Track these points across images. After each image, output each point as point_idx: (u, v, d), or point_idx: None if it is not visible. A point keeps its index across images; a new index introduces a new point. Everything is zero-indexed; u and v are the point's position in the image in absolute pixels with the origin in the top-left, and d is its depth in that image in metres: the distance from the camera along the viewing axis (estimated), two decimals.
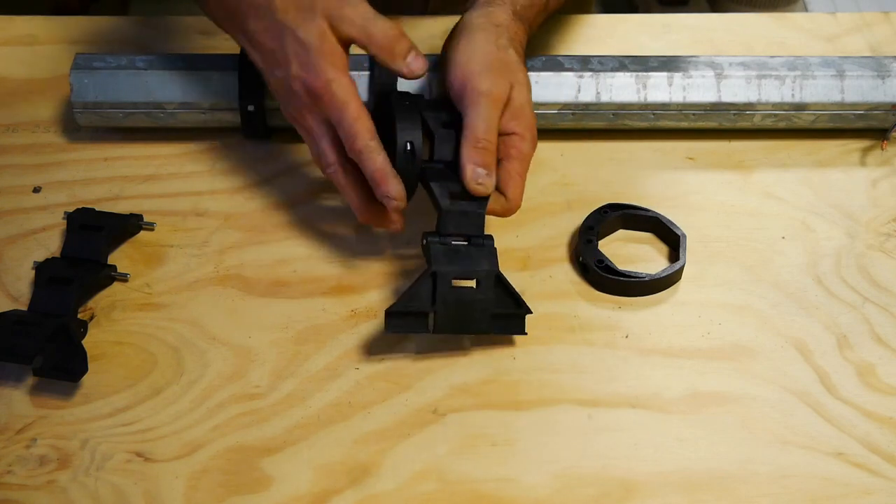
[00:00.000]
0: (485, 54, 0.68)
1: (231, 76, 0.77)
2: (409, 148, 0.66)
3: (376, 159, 0.66)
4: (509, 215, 0.70)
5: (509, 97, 0.68)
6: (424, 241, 0.67)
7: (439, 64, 0.73)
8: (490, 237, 0.67)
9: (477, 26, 0.70)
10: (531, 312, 0.67)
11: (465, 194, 0.67)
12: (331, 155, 0.68)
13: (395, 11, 0.91)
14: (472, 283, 0.66)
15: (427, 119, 0.69)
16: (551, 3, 0.77)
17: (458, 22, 0.72)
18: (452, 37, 0.71)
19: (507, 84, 0.68)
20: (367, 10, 0.66)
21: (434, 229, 0.67)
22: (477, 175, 0.66)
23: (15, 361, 0.65)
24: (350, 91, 0.66)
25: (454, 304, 0.65)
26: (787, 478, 0.64)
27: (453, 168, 0.68)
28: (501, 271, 0.66)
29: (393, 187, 0.66)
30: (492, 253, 0.67)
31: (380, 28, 0.65)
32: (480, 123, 0.67)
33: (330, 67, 0.65)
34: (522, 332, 0.68)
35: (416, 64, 0.66)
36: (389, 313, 0.66)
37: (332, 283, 0.73)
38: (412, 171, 0.67)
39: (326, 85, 0.65)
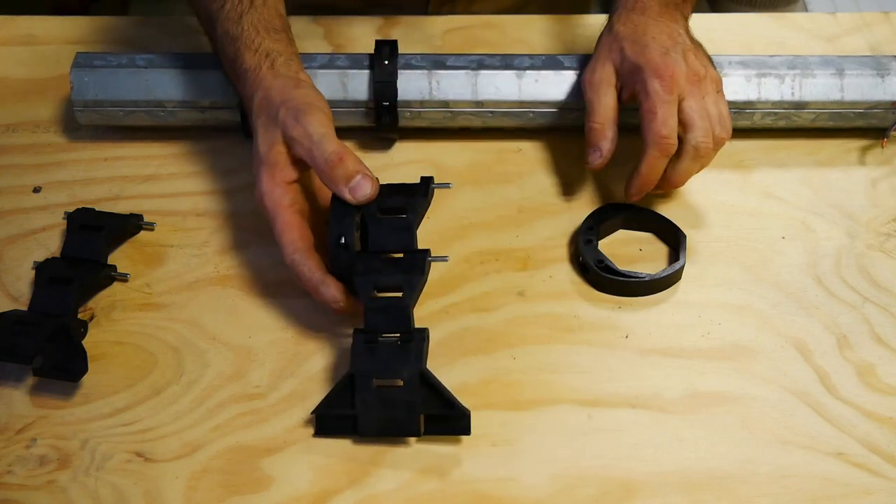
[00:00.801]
0: (643, 38, 0.73)
1: None
2: (341, 241, 0.65)
3: (303, 270, 0.66)
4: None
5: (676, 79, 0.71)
6: (353, 338, 0.64)
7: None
8: (423, 331, 0.64)
9: (632, 14, 0.75)
10: (467, 413, 0.62)
11: (394, 287, 0.64)
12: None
13: (395, 12, 0.91)
14: (399, 382, 0.63)
15: (364, 210, 0.67)
16: None
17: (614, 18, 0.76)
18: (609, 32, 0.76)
19: (674, 61, 0.71)
20: (317, 130, 0.66)
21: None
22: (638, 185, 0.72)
23: (15, 361, 0.65)
24: (279, 204, 0.66)
25: (377, 405, 0.63)
26: (787, 478, 0.64)
27: (389, 259, 0.66)
28: (432, 372, 0.63)
29: (326, 293, 0.65)
30: (419, 350, 0.63)
31: (319, 153, 0.65)
32: (659, 115, 0.70)
33: (266, 179, 0.67)
34: (465, 433, 0.63)
35: (360, 188, 0.65)
36: (318, 416, 0.64)
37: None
38: (347, 265, 0.65)
39: (261, 196, 0.67)
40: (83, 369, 0.66)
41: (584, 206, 0.77)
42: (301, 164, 0.68)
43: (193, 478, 0.63)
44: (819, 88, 0.80)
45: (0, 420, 0.65)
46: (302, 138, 0.66)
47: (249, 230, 0.75)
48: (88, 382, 0.67)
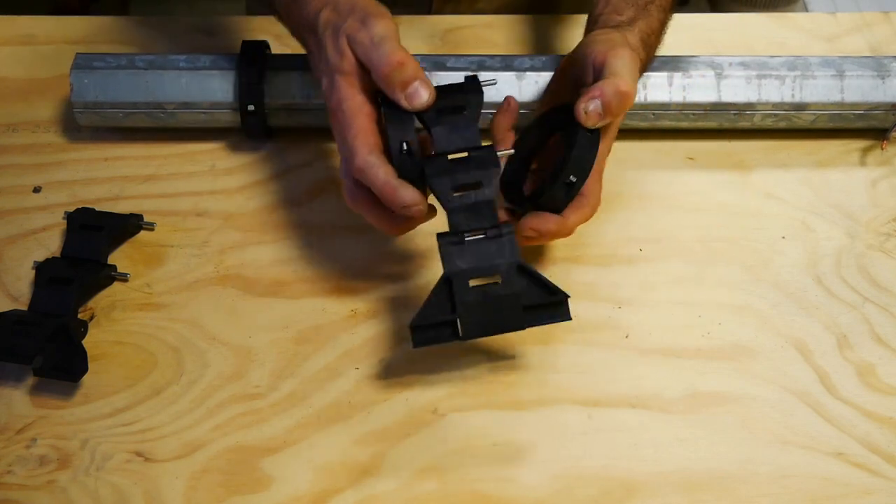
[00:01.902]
0: (630, 58, 0.67)
1: (231, 76, 0.77)
2: (404, 149, 0.63)
3: (377, 174, 0.63)
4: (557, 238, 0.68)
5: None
6: (438, 244, 0.63)
7: (564, 68, 0.72)
8: (508, 225, 0.63)
9: (615, 39, 0.69)
10: (569, 296, 0.62)
11: (472, 184, 0.63)
12: (344, 179, 0.66)
13: (398, 11, 0.91)
14: (497, 279, 0.62)
15: (423, 114, 0.64)
16: (664, 26, 0.75)
17: (600, 34, 0.70)
18: (586, 41, 0.70)
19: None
20: (379, 32, 0.64)
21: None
22: (592, 108, 0.64)
23: (15, 361, 0.65)
24: (359, 109, 0.64)
25: (478, 305, 0.61)
26: (787, 478, 0.64)
27: (458, 159, 0.64)
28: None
29: (405, 195, 0.62)
30: (511, 242, 0.62)
31: (379, 55, 0.63)
32: (628, 76, 0.65)
33: (345, 86, 0.64)
34: (567, 318, 0.62)
35: (418, 96, 0.63)
36: (413, 327, 0.62)
37: (332, 283, 0.73)
38: (414, 172, 0.63)
39: (339, 103, 0.64)
40: (83, 369, 0.66)
41: None
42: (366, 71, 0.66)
43: (193, 478, 0.63)
44: (819, 90, 0.80)
45: (0, 420, 0.65)
46: (364, 40, 0.64)
47: (249, 230, 0.75)
48: (88, 382, 0.67)
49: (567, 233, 0.67)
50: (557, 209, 0.65)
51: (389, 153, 0.63)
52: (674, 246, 0.75)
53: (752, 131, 0.82)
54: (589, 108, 0.64)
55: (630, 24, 0.71)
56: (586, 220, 0.67)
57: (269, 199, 0.77)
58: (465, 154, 0.64)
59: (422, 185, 0.63)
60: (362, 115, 0.64)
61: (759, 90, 0.79)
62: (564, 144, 0.65)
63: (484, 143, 0.65)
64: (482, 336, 0.62)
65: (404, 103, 0.63)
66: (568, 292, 0.62)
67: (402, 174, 0.63)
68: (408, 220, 0.65)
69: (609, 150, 0.69)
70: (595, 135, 0.65)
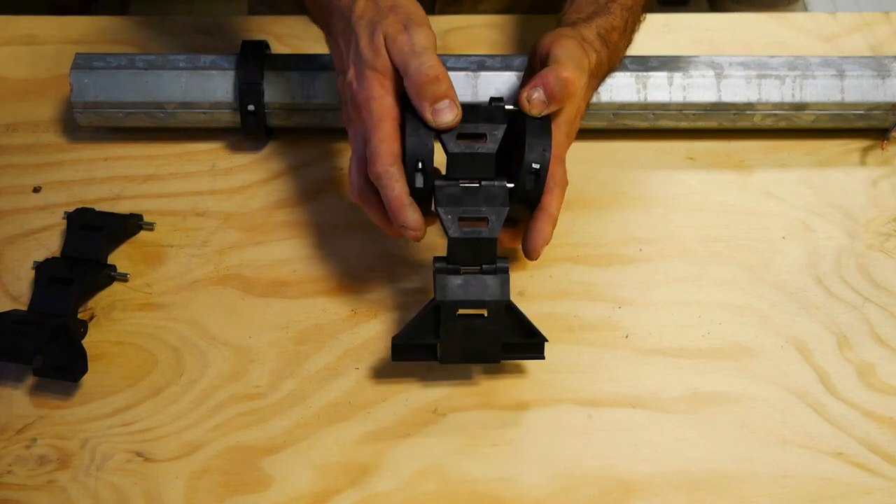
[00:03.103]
0: (574, 46, 0.67)
1: (231, 76, 0.77)
2: (419, 167, 0.63)
3: (393, 186, 0.62)
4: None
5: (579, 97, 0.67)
6: (433, 268, 0.63)
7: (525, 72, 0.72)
8: (505, 260, 0.63)
9: (568, 36, 0.68)
10: (546, 340, 0.65)
11: (478, 219, 0.63)
12: (354, 175, 0.66)
13: None
14: (483, 312, 0.63)
15: (443, 135, 0.64)
16: (629, 25, 0.75)
17: (548, 35, 0.70)
18: (544, 44, 0.69)
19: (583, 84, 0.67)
20: (420, 42, 0.63)
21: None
22: (535, 96, 0.63)
23: (15, 361, 0.65)
24: (388, 113, 0.63)
25: (461, 334, 0.63)
26: (787, 478, 0.64)
27: (468, 189, 0.64)
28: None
29: (408, 217, 0.62)
30: (504, 281, 0.63)
31: (418, 64, 0.62)
32: (572, 62, 0.65)
33: (376, 85, 0.63)
34: (540, 358, 0.66)
35: (444, 114, 0.62)
36: (395, 345, 0.64)
37: (332, 283, 0.73)
38: (424, 192, 0.63)
39: (367, 101, 0.63)
40: (83, 369, 0.66)
41: (584, 205, 0.77)
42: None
43: (193, 478, 0.63)
44: (819, 90, 0.80)
45: (0, 420, 0.65)
46: (404, 45, 0.63)
47: (249, 230, 0.75)
48: (88, 382, 0.67)
49: (555, 221, 0.66)
50: (532, 199, 0.65)
51: (403, 162, 0.63)
52: (674, 246, 0.75)
53: (752, 131, 0.82)
54: (532, 97, 0.64)
55: (587, 20, 0.71)
56: (561, 202, 0.66)
57: (269, 199, 0.77)
58: (477, 184, 0.64)
59: (428, 202, 0.64)
60: (390, 119, 0.63)
61: (759, 90, 0.79)
62: (524, 135, 0.65)
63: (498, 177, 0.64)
64: (459, 363, 0.65)
65: (429, 117, 0.63)
66: (544, 335, 0.65)
67: (412, 189, 0.63)
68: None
69: (570, 136, 0.68)
70: (545, 121, 0.65)
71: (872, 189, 0.80)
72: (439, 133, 0.63)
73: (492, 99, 0.66)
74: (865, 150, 0.83)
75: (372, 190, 0.64)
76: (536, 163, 0.63)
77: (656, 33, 0.90)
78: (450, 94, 0.63)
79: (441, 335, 0.63)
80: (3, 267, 0.73)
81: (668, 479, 0.64)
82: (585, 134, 0.81)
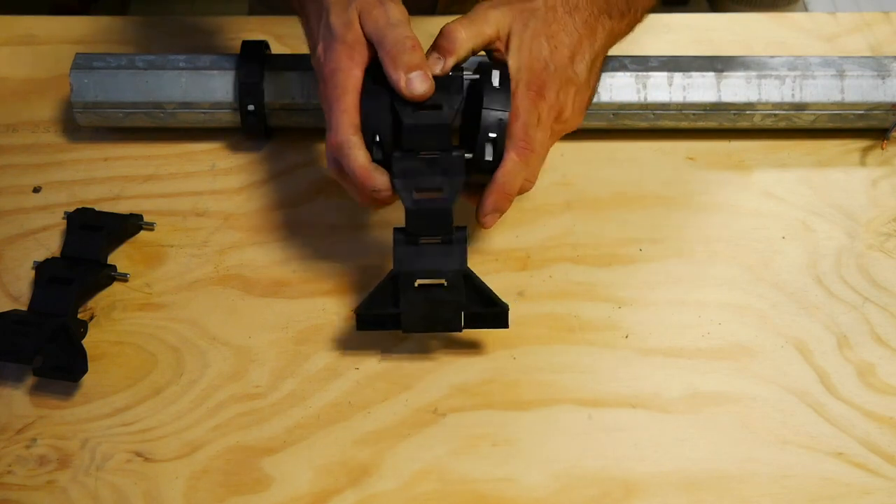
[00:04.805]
0: (536, 61, 0.65)
1: (231, 76, 0.77)
2: (376, 139, 0.63)
3: (356, 155, 0.63)
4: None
5: (545, 120, 0.66)
6: (393, 238, 0.64)
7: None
8: (463, 230, 0.64)
9: (532, 10, 0.66)
10: (507, 308, 0.65)
11: (435, 189, 0.63)
12: (327, 149, 0.66)
13: None
14: (442, 281, 0.64)
15: (398, 106, 0.63)
16: None
17: None
18: (504, 15, 0.67)
19: (551, 105, 0.66)
20: (395, 15, 0.64)
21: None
22: (489, 221, 0.65)
23: (15, 361, 0.65)
24: (352, 84, 0.63)
25: (421, 304, 0.64)
26: (787, 478, 0.64)
27: (426, 159, 0.64)
28: (474, 271, 0.64)
29: (376, 181, 0.63)
30: (461, 251, 0.64)
31: (394, 35, 0.63)
32: (519, 169, 0.64)
33: (344, 57, 0.63)
34: (504, 326, 0.66)
35: (417, 83, 0.62)
36: (359, 315, 0.65)
37: (332, 283, 0.73)
38: (380, 164, 0.63)
39: (333, 73, 0.64)
40: (83, 369, 0.66)
41: (584, 206, 0.77)
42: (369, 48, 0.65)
43: (193, 478, 0.63)
44: (819, 90, 0.80)
45: (0, 420, 0.65)
46: (380, 17, 0.63)
47: (249, 230, 0.75)
48: (88, 382, 0.67)
49: (505, 189, 0.65)
50: (492, 169, 0.64)
51: (362, 131, 0.63)
52: (674, 246, 0.75)
53: (752, 131, 0.82)
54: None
55: None
56: (528, 162, 0.65)
57: (269, 199, 0.77)
58: (434, 155, 0.64)
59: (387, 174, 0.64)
60: (353, 91, 0.63)
61: (759, 90, 0.79)
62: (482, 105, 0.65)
63: (455, 146, 0.64)
64: (422, 332, 0.67)
65: (402, 86, 0.62)
66: (507, 304, 0.65)
67: (378, 161, 0.63)
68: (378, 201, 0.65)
69: (543, 102, 0.65)
70: (504, 89, 0.64)
71: (872, 189, 0.80)
72: (394, 105, 0.63)
73: (451, 72, 0.66)
74: (865, 150, 0.83)
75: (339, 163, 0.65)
76: (492, 132, 0.63)
77: (656, 33, 0.90)
78: (423, 65, 0.63)
79: (401, 305, 0.64)
80: (3, 267, 0.73)
81: (668, 479, 0.64)
82: (585, 134, 0.81)
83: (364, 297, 0.65)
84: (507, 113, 0.64)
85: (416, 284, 0.64)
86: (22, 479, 0.63)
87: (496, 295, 0.65)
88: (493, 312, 0.65)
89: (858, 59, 0.81)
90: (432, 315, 0.64)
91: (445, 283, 0.64)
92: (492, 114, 0.63)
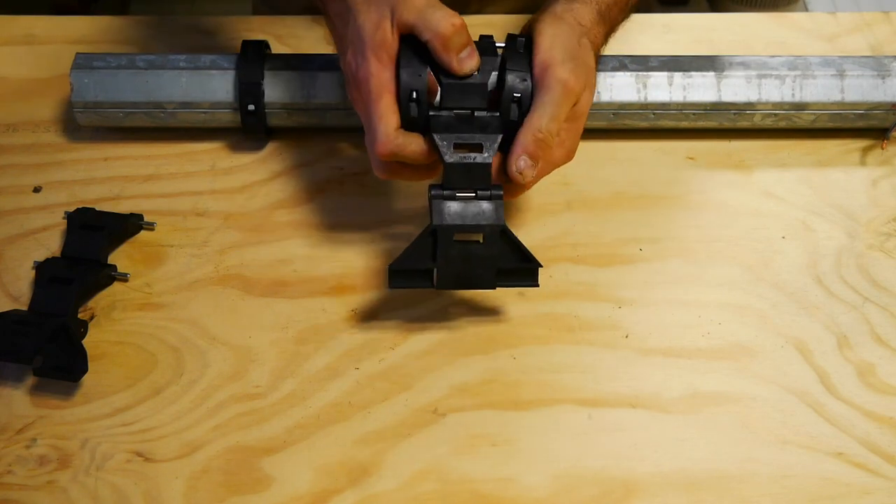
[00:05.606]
0: (569, 47, 0.67)
1: (231, 76, 0.77)
2: (413, 97, 0.64)
3: (412, 149, 0.64)
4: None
5: (578, 99, 0.67)
6: (429, 195, 0.65)
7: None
8: (499, 188, 0.65)
9: (563, 19, 0.69)
10: (541, 266, 0.66)
11: (472, 146, 0.65)
12: (372, 153, 0.66)
13: None
14: (479, 238, 0.65)
15: (434, 67, 0.66)
16: (631, 1, 0.76)
17: (542, 10, 0.71)
18: (536, 21, 0.70)
19: (583, 83, 0.67)
20: (432, 0, 0.65)
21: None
22: (522, 166, 0.65)
23: (15, 361, 0.65)
24: (384, 88, 0.65)
25: (457, 260, 0.65)
26: (787, 478, 0.64)
27: (462, 117, 0.66)
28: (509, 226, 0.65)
29: (432, 156, 0.65)
30: (498, 206, 0.65)
31: (440, 16, 0.64)
32: (549, 110, 0.65)
33: (374, 61, 0.65)
34: (534, 285, 0.67)
35: (469, 61, 0.65)
36: (392, 271, 0.65)
37: (332, 283, 0.73)
38: (420, 120, 0.65)
39: (366, 78, 0.65)
40: (83, 369, 0.66)
41: (584, 206, 0.77)
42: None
43: (193, 478, 0.63)
44: (819, 90, 0.80)
45: (0, 420, 0.65)
46: (418, 3, 0.64)
47: (249, 230, 0.75)
48: (88, 382, 0.67)
49: (537, 132, 0.65)
50: (517, 129, 0.65)
51: (398, 96, 0.65)
52: (674, 246, 0.76)
53: (752, 131, 0.82)
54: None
55: None
56: (559, 106, 0.65)
57: (269, 199, 0.77)
58: (471, 113, 0.66)
59: (424, 132, 0.65)
60: (388, 92, 0.65)
61: (759, 90, 0.79)
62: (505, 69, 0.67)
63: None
64: (454, 289, 0.68)
65: (456, 66, 0.64)
66: (540, 264, 0.66)
67: (406, 121, 0.65)
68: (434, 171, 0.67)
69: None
70: (526, 53, 0.67)
71: (872, 189, 0.80)
72: (433, 69, 0.65)
73: (482, 37, 0.68)
74: (865, 150, 0.83)
75: (393, 161, 0.66)
76: (517, 91, 0.66)
77: (656, 33, 0.90)
78: (470, 41, 0.65)
79: (437, 260, 0.64)
80: (3, 267, 0.73)
81: (668, 479, 0.64)
82: (585, 134, 0.81)
83: (399, 255, 0.65)
84: (528, 73, 0.66)
85: (453, 239, 0.64)
86: (22, 479, 0.63)
87: (530, 252, 0.66)
88: (526, 268, 0.67)
89: (858, 58, 0.81)
90: (466, 271, 0.65)
91: (482, 239, 0.65)
92: (516, 74, 0.66)
